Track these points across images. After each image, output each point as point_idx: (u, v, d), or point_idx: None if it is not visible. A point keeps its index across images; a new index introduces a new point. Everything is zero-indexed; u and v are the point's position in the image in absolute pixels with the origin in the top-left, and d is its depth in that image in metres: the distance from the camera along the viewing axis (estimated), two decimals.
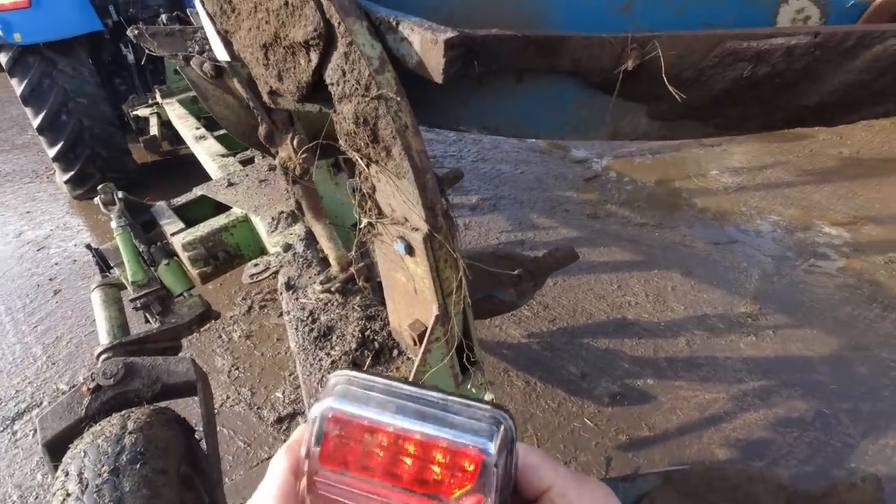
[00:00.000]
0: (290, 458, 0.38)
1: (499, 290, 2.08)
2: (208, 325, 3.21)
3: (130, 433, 1.37)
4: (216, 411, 2.61)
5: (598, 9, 0.71)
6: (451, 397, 0.35)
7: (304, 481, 0.36)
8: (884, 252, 3.09)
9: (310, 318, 1.14)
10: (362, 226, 0.84)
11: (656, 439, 2.17)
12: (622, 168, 4.49)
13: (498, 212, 3.94)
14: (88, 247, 1.97)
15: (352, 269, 1.21)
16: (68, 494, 1.22)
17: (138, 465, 1.29)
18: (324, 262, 1.36)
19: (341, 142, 0.79)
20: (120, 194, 1.86)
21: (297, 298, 1.22)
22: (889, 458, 1.97)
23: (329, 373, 1.05)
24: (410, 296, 0.86)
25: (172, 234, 1.82)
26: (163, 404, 1.62)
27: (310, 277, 1.30)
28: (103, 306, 1.84)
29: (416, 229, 0.76)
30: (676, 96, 0.67)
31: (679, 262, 3.19)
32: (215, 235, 1.77)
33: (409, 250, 0.78)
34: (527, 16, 0.75)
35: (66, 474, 1.28)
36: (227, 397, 2.68)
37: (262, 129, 1.10)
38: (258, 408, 2.58)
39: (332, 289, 1.17)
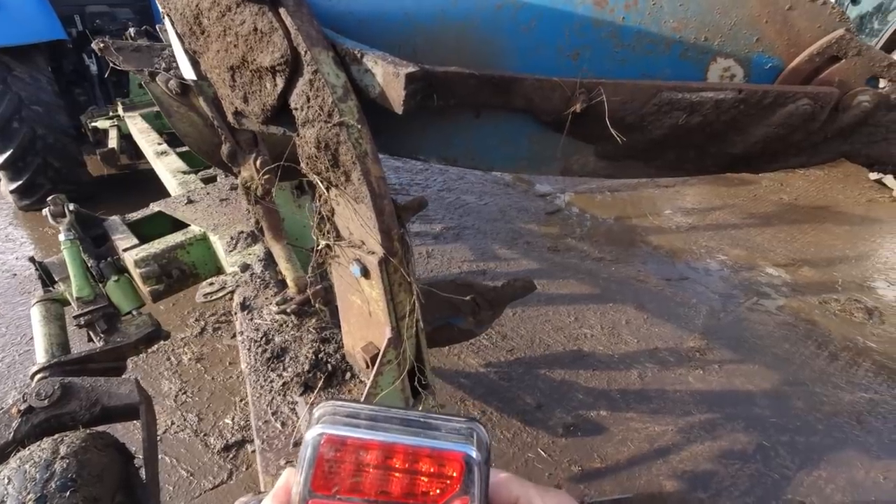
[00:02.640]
0: (276, 500, 0.39)
1: (457, 318, 2.09)
2: (156, 345, 3.08)
3: (62, 458, 1.29)
4: (159, 437, 2.48)
5: (550, 55, 0.77)
6: (430, 414, 0.39)
7: None
8: (818, 293, 3.31)
9: (263, 339, 1.13)
10: (320, 247, 0.86)
11: (607, 470, 2.20)
12: (583, 204, 4.66)
13: (461, 241, 4.00)
14: (32, 259, 1.88)
15: (309, 292, 1.21)
16: None
17: (68, 493, 1.21)
18: (281, 284, 1.35)
19: (303, 165, 0.81)
20: (71, 206, 1.80)
21: (251, 319, 1.21)
22: (822, 489, 2.07)
23: (278, 396, 1.03)
24: (365, 318, 0.87)
25: (125, 250, 1.76)
26: (102, 429, 1.54)
27: (266, 298, 1.29)
28: (43, 322, 1.75)
29: (372, 252, 0.78)
30: (618, 138, 0.72)
31: (633, 297, 3.31)
32: (170, 253, 1.73)
33: (365, 273, 0.80)
34: (486, 57, 0.81)
35: None
36: (172, 423, 2.55)
37: (225, 149, 1.11)
38: (205, 434, 2.47)
39: (288, 310, 1.16)
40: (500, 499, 0.41)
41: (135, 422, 1.60)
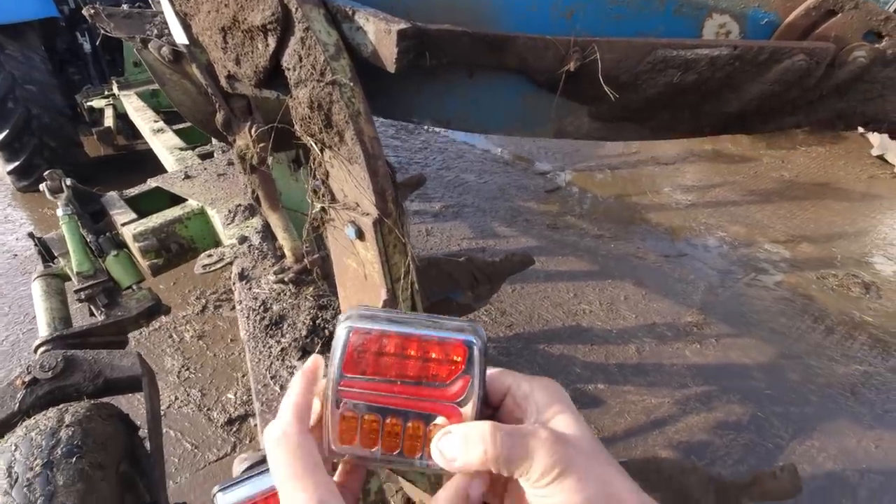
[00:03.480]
0: (305, 378, 0.46)
1: (455, 293, 2.11)
2: (159, 323, 3.10)
3: (67, 427, 1.31)
4: (163, 412, 2.52)
5: (543, 13, 0.76)
6: (438, 316, 0.46)
7: (328, 392, 0.44)
8: (816, 269, 3.32)
9: (261, 308, 1.14)
10: (315, 210, 0.86)
11: (605, 441, 2.23)
12: (582, 182, 4.64)
13: (460, 219, 3.99)
14: (31, 235, 1.89)
15: (306, 261, 1.21)
16: None
17: (74, 459, 1.24)
18: (279, 255, 1.35)
19: (297, 127, 0.80)
20: (68, 181, 1.80)
21: (249, 288, 1.22)
22: (814, 457, 2.11)
23: (278, 360, 1.05)
24: (361, 281, 0.88)
25: (123, 225, 1.77)
26: (105, 401, 1.57)
27: (264, 269, 1.29)
28: (44, 297, 1.76)
29: (367, 214, 0.78)
30: (612, 96, 0.72)
31: (632, 273, 3.32)
32: (169, 227, 1.74)
33: (360, 235, 0.80)
34: (479, 17, 0.80)
35: None
36: (176, 398, 2.59)
37: (219, 116, 1.10)
38: (208, 409, 2.51)
39: (286, 279, 1.17)
40: (494, 389, 0.47)
41: (138, 396, 1.63)
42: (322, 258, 1.21)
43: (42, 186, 1.80)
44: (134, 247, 1.70)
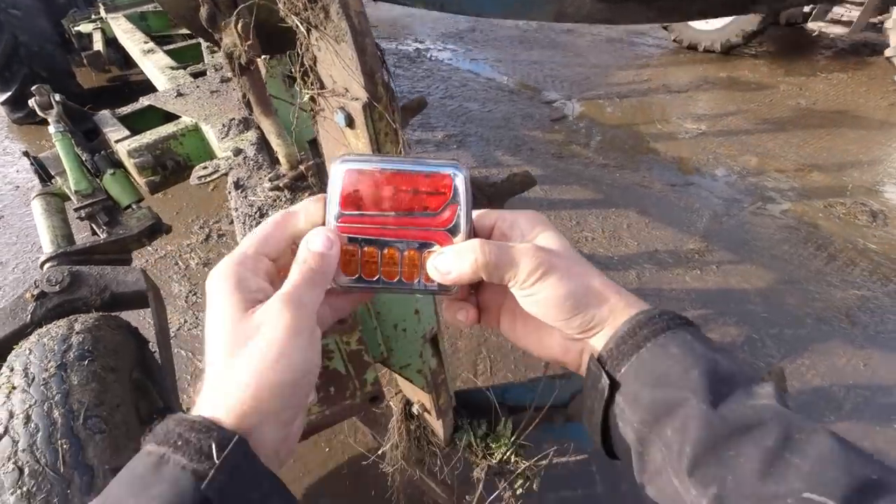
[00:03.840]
0: (274, 220, 0.47)
1: None
2: (163, 248, 3.14)
3: (77, 333, 1.36)
4: (174, 334, 2.61)
5: None
6: (423, 156, 0.49)
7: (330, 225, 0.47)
8: (824, 197, 3.26)
9: (258, 214, 1.13)
10: (304, 100, 0.83)
11: None
12: (589, 110, 4.49)
13: (464, 148, 3.91)
14: (26, 154, 1.87)
15: (301, 167, 1.19)
16: (14, 387, 1.22)
17: (86, 362, 1.29)
18: (274, 166, 1.33)
19: (281, 7, 0.76)
20: (57, 97, 1.75)
21: (245, 196, 1.21)
22: (803, 374, 2.17)
23: None
24: None
25: (117, 141, 1.74)
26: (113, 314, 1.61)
27: (259, 178, 1.28)
28: (45, 215, 1.77)
29: (356, 98, 0.75)
30: None
31: (636, 202, 3.28)
32: (163, 143, 1.71)
33: (350, 122, 0.78)
34: None
35: (11, 370, 1.27)
36: (185, 321, 2.67)
37: (203, 11, 1.04)
38: None
39: (281, 185, 1.16)
40: (482, 225, 0.51)
41: (147, 319, 1.67)
42: (317, 165, 1.19)
43: (31, 102, 1.75)
44: (129, 164, 1.68)
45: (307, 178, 1.17)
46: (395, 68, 5.51)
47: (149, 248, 3.15)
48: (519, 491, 1.33)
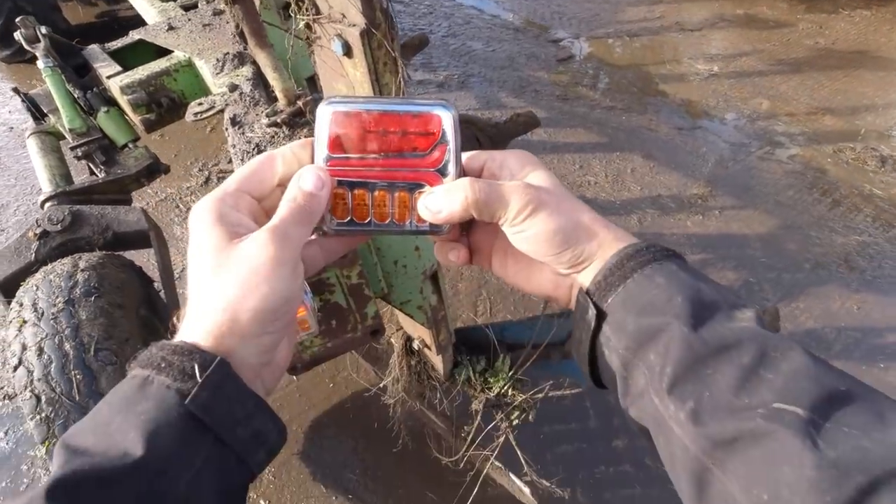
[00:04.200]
0: (258, 160, 0.47)
1: None
2: (162, 192, 3.12)
3: (83, 271, 1.38)
4: (178, 276, 2.65)
5: None
6: (410, 96, 0.47)
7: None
8: (834, 142, 3.19)
9: (255, 150, 1.12)
10: (299, 27, 0.80)
11: None
12: (597, 50, 4.31)
13: (466, 89, 3.80)
14: (16, 90, 1.82)
15: (299, 103, 1.16)
16: (24, 321, 1.25)
17: (93, 298, 1.31)
18: (272, 102, 1.30)
19: None
20: (43, 29, 1.68)
21: (242, 133, 1.18)
22: (797, 317, 2.21)
23: None
24: None
25: (108, 77, 1.69)
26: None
27: (256, 115, 1.25)
28: (41, 154, 1.75)
29: (353, 25, 0.72)
30: None
31: (641, 146, 3.22)
32: (157, 79, 1.66)
33: (347, 50, 0.75)
34: None
35: (20, 305, 1.30)
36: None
37: None
38: None
39: (279, 121, 1.13)
40: (472, 167, 0.50)
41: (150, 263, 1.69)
42: (315, 100, 1.16)
43: (17, 35, 1.68)
44: (123, 101, 1.64)
45: (305, 113, 1.14)
46: (396, 4, 5.25)
47: (148, 190, 3.13)
48: (515, 422, 1.39)
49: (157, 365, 0.38)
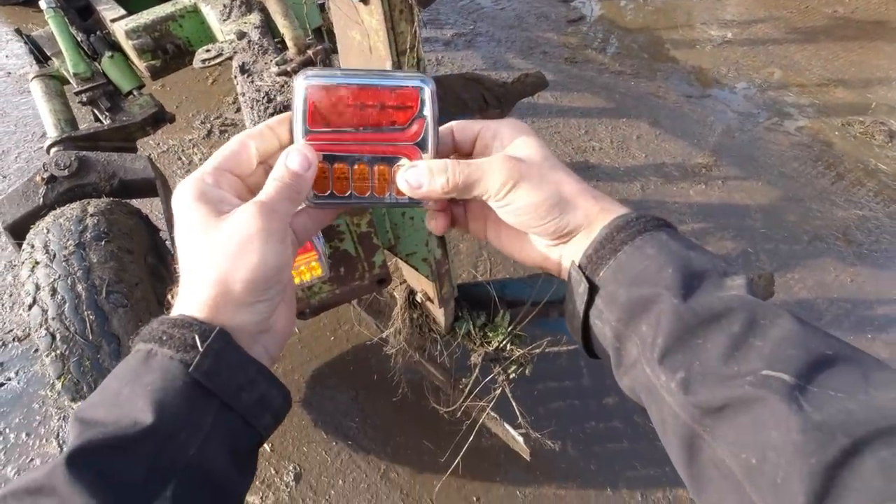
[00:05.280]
0: (245, 133, 0.48)
1: (465, 116, 2.05)
2: (165, 143, 3.11)
3: (91, 216, 1.39)
4: None
5: None
6: (388, 69, 0.49)
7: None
8: (844, 115, 3.16)
9: (265, 99, 1.11)
10: None
11: None
12: (609, 12, 4.20)
13: (473, 49, 3.72)
14: (18, 31, 1.79)
15: (309, 52, 1.16)
16: (37, 262, 1.28)
17: (103, 242, 1.34)
18: (281, 50, 1.28)
19: None
20: None
21: (252, 81, 1.18)
22: (791, 287, 2.26)
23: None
24: (365, 55, 0.85)
25: (112, 21, 1.65)
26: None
27: (265, 63, 1.24)
28: (45, 98, 1.73)
29: None
30: None
31: (648, 113, 3.19)
32: (162, 25, 1.63)
33: None
34: None
35: (32, 247, 1.33)
36: None
37: None
38: None
39: (289, 70, 1.13)
40: (465, 137, 0.51)
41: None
42: (325, 50, 1.15)
43: None
44: (128, 45, 1.62)
45: (316, 63, 1.13)
46: None
47: (150, 142, 3.11)
48: (512, 376, 1.45)
49: (158, 338, 0.39)
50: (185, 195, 0.44)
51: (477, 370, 1.45)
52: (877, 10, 4.10)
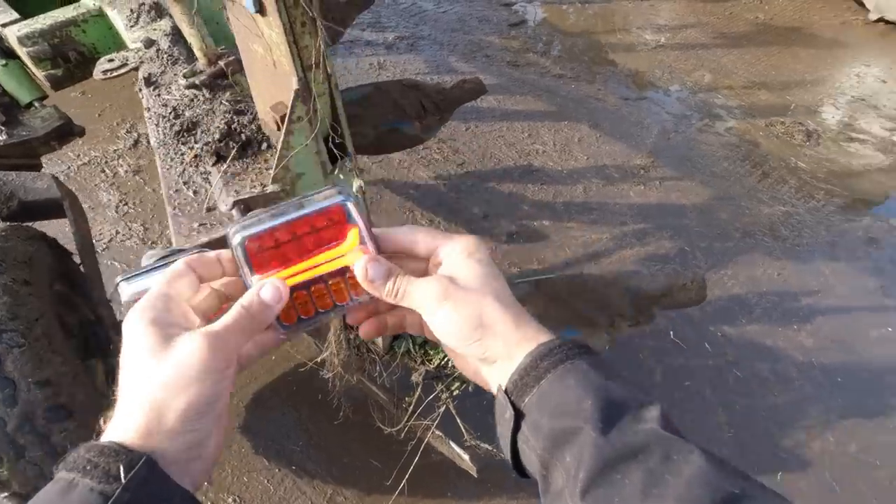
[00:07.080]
0: (198, 257, 0.49)
1: (403, 122, 2.01)
2: (86, 154, 2.89)
3: None
4: (107, 245, 2.48)
5: None
6: (306, 194, 0.50)
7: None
8: (767, 116, 3.34)
9: (172, 114, 1.03)
10: None
11: (544, 272, 2.39)
12: (549, 16, 4.26)
13: (415, 52, 3.67)
14: None
15: (221, 63, 1.08)
16: None
17: None
18: (192, 60, 1.19)
19: None
20: None
21: (158, 95, 1.09)
22: (724, 283, 2.35)
23: (190, 167, 0.98)
24: (271, 72, 0.79)
25: (3, 26, 1.50)
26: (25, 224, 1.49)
27: (174, 75, 1.15)
28: None
29: None
30: None
31: (589, 115, 3.25)
32: (62, 30, 1.49)
33: (260, 7, 0.69)
34: None
35: None
36: (117, 232, 2.53)
37: None
38: (153, 242, 2.48)
39: (198, 82, 1.05)
40: (428, 246, 0.53)
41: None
42: (238, 60, 1.07)
43: None
44: (23, 52, 1.47)
45: (228, 75, 1.05)
46: None
47: (69, 153, 2.88)
48: (455, 392, 1.42)
49: (82, 467, 0.39)
50: (137, 320, 0.44)
51: (419, 389, 1.41)
52: (792, 17, 4.37)
